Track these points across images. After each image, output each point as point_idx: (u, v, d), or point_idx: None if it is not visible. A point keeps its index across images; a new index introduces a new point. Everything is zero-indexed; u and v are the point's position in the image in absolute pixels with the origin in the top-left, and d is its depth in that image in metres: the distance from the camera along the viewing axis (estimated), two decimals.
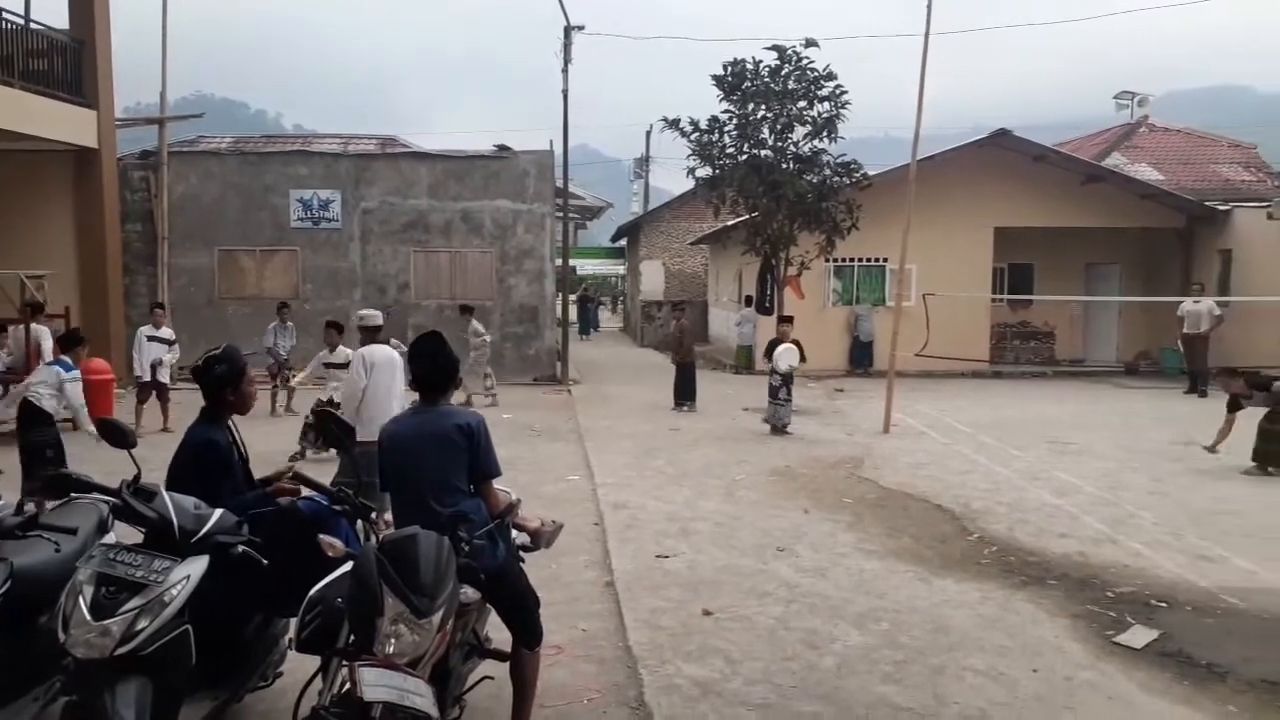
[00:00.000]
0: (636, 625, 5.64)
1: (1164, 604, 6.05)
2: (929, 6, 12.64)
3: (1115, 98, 29.16)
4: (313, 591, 3.52)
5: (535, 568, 4.68)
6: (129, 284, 18.60)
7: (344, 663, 3.18)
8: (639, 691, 4.77)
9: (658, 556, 7.04)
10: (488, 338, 15.37)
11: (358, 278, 19.62)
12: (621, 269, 42.63)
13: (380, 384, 7.32)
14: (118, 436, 3.84)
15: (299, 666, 3.96)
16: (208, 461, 3.98)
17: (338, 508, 4.02)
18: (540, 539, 4.45)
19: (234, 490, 4.00)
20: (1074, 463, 10.72)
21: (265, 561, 3.57)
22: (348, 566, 3.50)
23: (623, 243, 40.79)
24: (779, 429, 12.67)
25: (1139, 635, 5.48)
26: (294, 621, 3.54)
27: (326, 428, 3.97)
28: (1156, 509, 8.50)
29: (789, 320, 13.45)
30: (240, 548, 3.52)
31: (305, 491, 4.18)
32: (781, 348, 12.84)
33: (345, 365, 9.91)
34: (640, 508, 8.56)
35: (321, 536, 3.74)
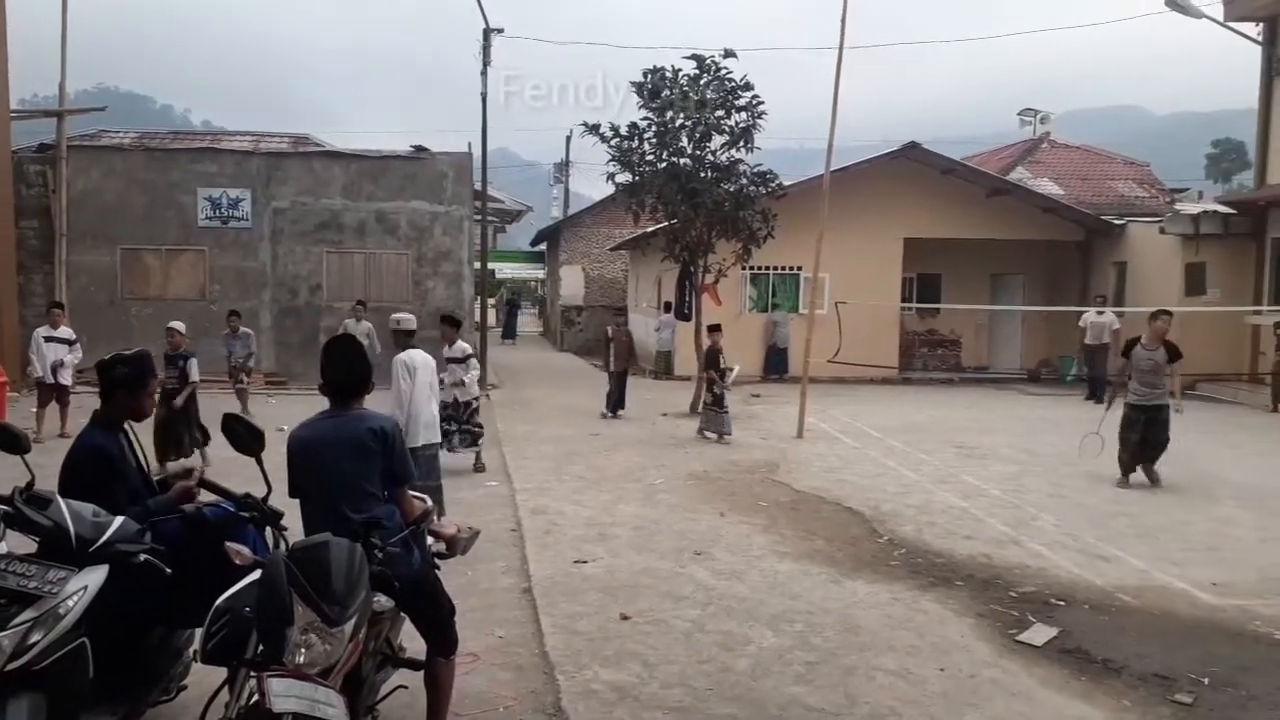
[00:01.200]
0: (554, 631, 5.62)
1: (1063, 602, 6.29)
2: (843, 22, 12.94)
3: (1019, 114, 30.26)
4: (219, 601, 3.42)
5: (451, 575, 4.64)
6: (24, 283, 17.80)
7: (252, 674, 3.10)
8: (556, 698, 4.76)
9: (576, 562, 7.03)
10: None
11: (268, 279, 19.13)
12: (541, 273, 42.48)
13: (421, 387, 7.50)
14: (9, 441, 3.67)
15: (204, 679, 3.85)
16: (95, 469, 3.82)
17: (245, 514, 3.90)
18: (456, 545, 4.40)
19: (132, 498, 3.86)
20: (979, 466, 11.07)
21: (168, 570, 3.46)
22: (256, 575, 3.41)
23: (542, 247, 40.67)
24: (721, 437, 12.61)
25: (1039, 633, 5.69)
26: (199, 632, 3.44)
27: (234, 432, 3.86)
28: (1056, 511, 8.83)
29: (719, 328, 13.52)
30: (142, 556, 3.40)
31: (210, 497, 4.06)
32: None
33: (464, 360, 10.56)
34: (559, 513, 8.54)
35: (228, 544, 3.63)
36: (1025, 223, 21.18)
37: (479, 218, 21.08)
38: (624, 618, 5.85)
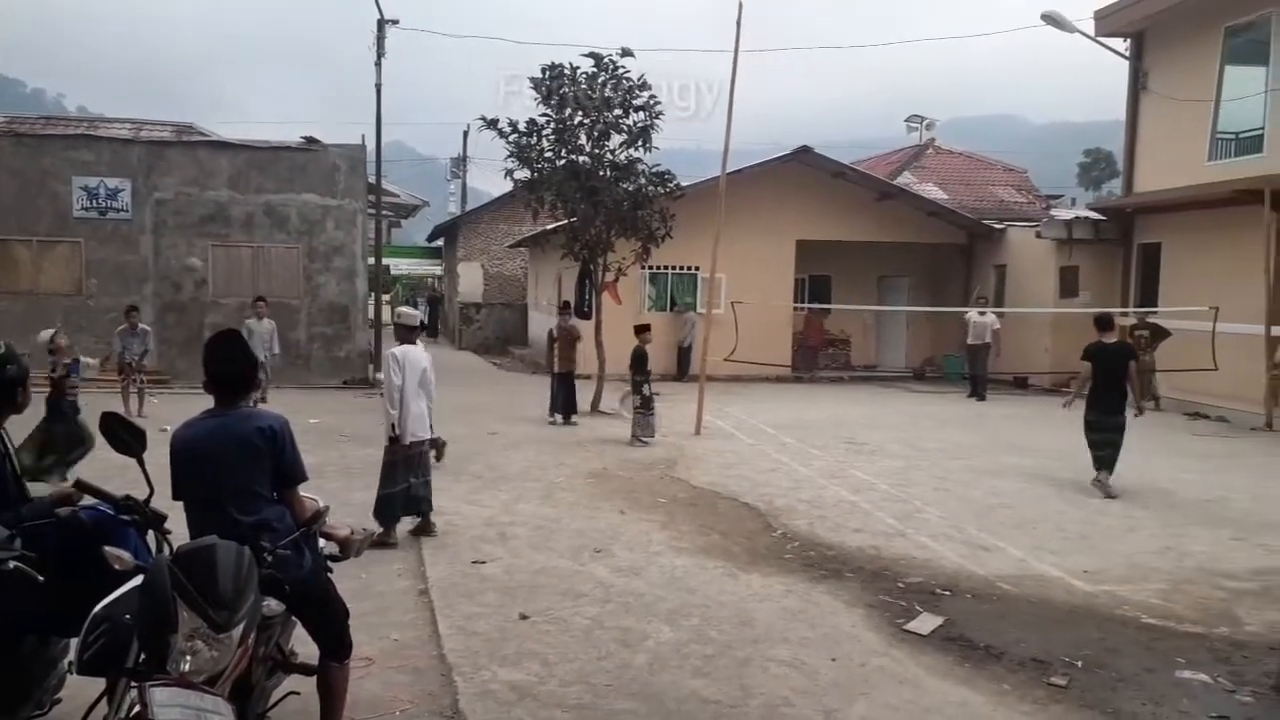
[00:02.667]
0: (451, 633, 5.56)
1: (948, 592, 6.54)
2: (738, 25, 13.16)
3: (906, 121, 31.34)
4: (97, 609, 3.27)
5: (345, 578, 4.54)
6: None
7: (133, 684, 2.97)
8: (453, 699, 4.71)
9: (474, 562, 6.97)
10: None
11: (149, 273, 18.33)
12: (438, 269, 41.83)
13: (412, 380, 7.49)
14: None
15: (80, 691, 3.67)
16: None
17: (126, 517, 3.73)
18: (350, 548, 4.31)
19: (4, 502, 3.65)
20: (868, 462, 11.41)
21: (41, 578, 3.29)
22: (137, 580, 3.27)
23: (439, 243, 40.04)
24: (645, 440, 12.35)
25: (926, 622, 5.91)
26: (75, 642, 3.27)
27: (113, 432, 3.69)
28: (941, 504, 9.17)
29: (647, 328, 13.49)
30: (11, 564, 3.22)
31: (90, 500, 3.87)
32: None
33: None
34: (456, 513, 8.44)
35: (107, 549, 3.47)
36: (911, 226, 21.91)
37: (373, 212, 20.64)
38: (523, 617, 5.83)
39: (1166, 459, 11.69)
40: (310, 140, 19.06)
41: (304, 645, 4.12)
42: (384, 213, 22.59)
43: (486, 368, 24.62)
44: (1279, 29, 15.55)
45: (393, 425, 7.56)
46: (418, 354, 7.72)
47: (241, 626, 3.12)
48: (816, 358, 22.41)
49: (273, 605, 3.65)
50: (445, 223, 37.01)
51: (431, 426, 8.05)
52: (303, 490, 3.92)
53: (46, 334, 10.76)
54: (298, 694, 4.06)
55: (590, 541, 7.58)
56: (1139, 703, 4.83)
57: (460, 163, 42.22)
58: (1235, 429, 14.48)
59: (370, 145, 19.34)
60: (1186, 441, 13.31)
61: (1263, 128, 15.93)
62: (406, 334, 7.84)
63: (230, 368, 3.75)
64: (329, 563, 4.14)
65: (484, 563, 6.97)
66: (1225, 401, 15.44)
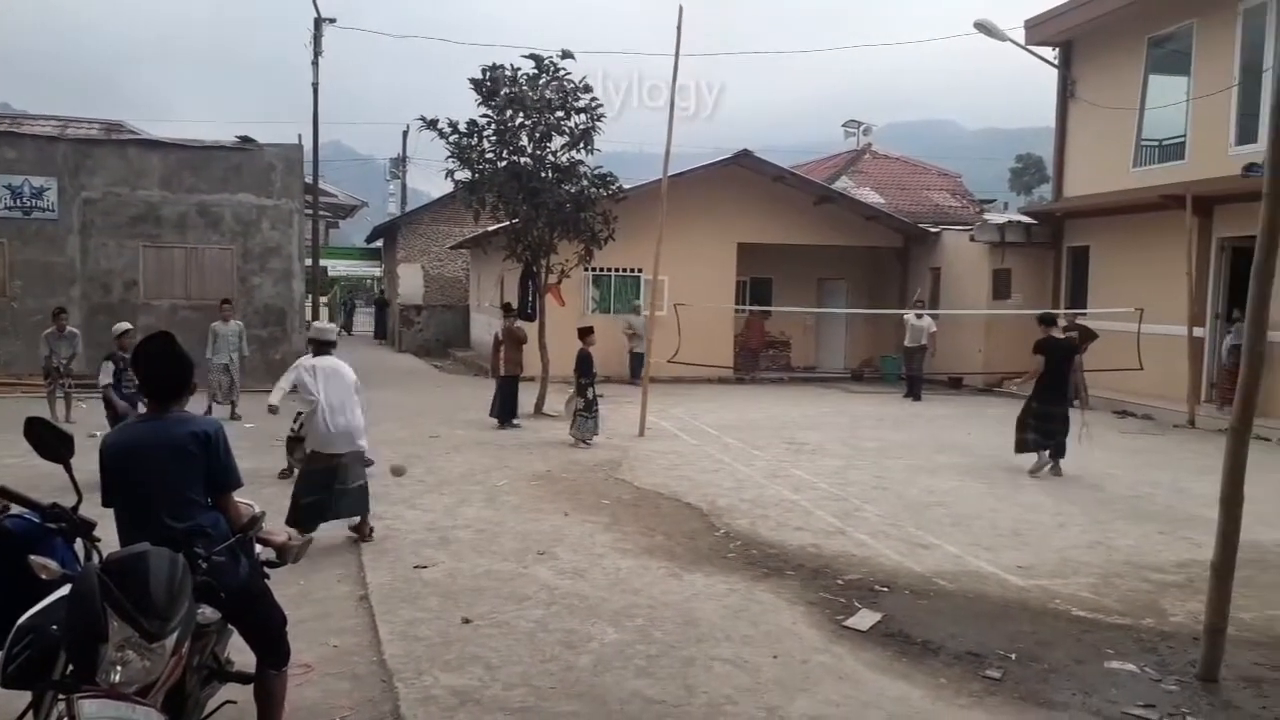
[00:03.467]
0: (392, 638, 5.49)
1: (886, 588, 6.65)
2: (678, 30, 13.23)
3: (844, 125, 31.78)
4: (22, 619, 3.17)
5: (282, 584, 4.47)
6: None
7: (60, 696, 2.89)
8: (394, 705, 4.65)
9: (416, 567, 6.89)
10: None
11: (76, 274, 17.80)
12: (378, 271, 41.29)
13: (334, 392, 7.39)
14: None
15: (5, 705, 3.54)
16: None
17: (52, 525, 3.62)
18: (287, 554, 4.24)
19: None
20: (808, 461, 11.55)
21: None
22: (65, 590, 3.18)
23: (379, 244, 39.53)
24: (587, 440, 12.33)
25: (865, 618, 6.00)
26: None
27: (39, 437, 3.58)
28: (879, 502, 9.32)
29: (591, 331, 13.45)
30: None
31: (15, 508, 3.75)
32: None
33: None
34: (397, 518, 8.34)
35: (32, 557, 3.36)
36: (849, 229, 22.24)
37: (310, 212, 20.31)
38: (465, 621, 5.78)
39: (1096, 456, 12.01)
40: (245, 139, 18.69)
41: (241, 653, 4.04)
42: (321, 213, 22.26)
43: (427, 370, 24.37)
44: (1200, 39, 16.13)
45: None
46: (332, 365, 7.55)
47: (175, 635, 3.06)
48: (757, 359, 22.60)
49: (208, 613, 3.58)
50: (384, 223, 36.55)
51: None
52: (239, 496, 3.85)
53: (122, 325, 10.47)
54: (234, 703, 3.99)
55: (534, 544, 7.55)
56: (1070, 693, 4.97)
57: (400, 163, 41.77)
58: (1160, 426, 14.96)
59: (307, 145, 19.06)
60: (1114, 439, 13.70)
61: (1184, 135, 16.52)
62: (321, 349, 7.72)
63: (161, 371, 3.66)
64: (266, 569, 4.07)
65: (426, 567, 6.90)
66: (1150, 400, 15.95)
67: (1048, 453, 10.80)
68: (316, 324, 8.35)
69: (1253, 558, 7.06)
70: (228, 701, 3.96)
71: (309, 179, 20.00)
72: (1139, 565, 7.30)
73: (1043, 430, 10.81)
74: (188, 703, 3.50)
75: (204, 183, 18.18)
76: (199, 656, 3.61)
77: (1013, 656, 5.42)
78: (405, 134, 39.87)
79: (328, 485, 7.39)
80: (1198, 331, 15.11)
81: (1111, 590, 6.68)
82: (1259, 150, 13.17)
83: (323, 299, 31.37)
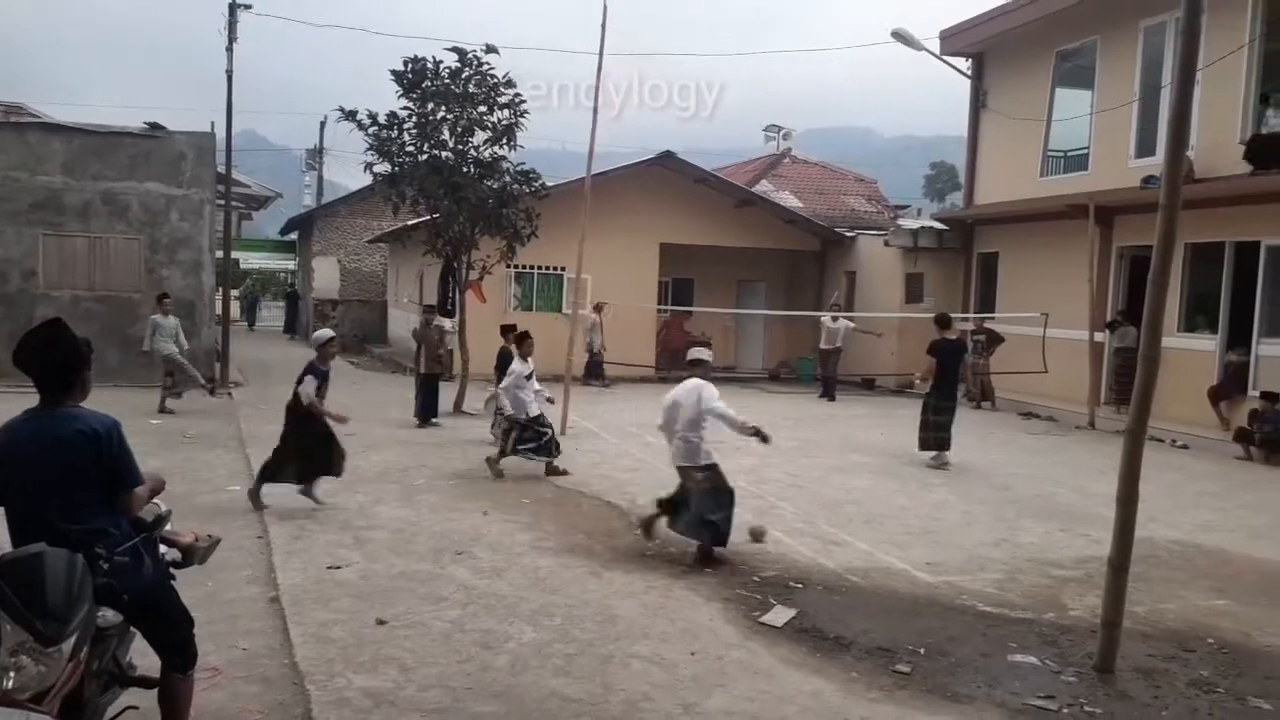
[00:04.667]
0: (304, 640, 5.38)
1: (800, 585, 6.77)
2: (602, 28, 13.24)
3: (765, 130, 32.19)
4: None
5: (189, 585, 4.33)
6: None
7: None
8: (306, 708, 4.56)
9: (329, 567, 6.76)
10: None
11: None
12: (292, 264, 40.31)
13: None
14: None
15: None
16: None
17: None
18: (194, 555, 4.12)
19: None
20: (726, 460, 11.52)
21: None
22: None
23: (293, 236, 38.61)
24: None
25: (780, 614, 6.10)
26: None
27: None
28: (794, 500, 9.48)
29: (514, 329, 13.25)
30: None
31: None
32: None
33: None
34: (310, 518, 8.17)
35: None
36: (769, 232, 22.55)
37: (222, 203, 19.71)
38: (380, 622, 5.69)
39: (1002, 456, 12.45)
40: (154, 126, 18.03)
41: (146, 657, 3.91)
42: (234, 204, 21.64)
43: (343, 367, 23.80)
44: (1103, 55, 16.80)
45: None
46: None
47: (73, 639, 2.96)
48: (680, 359, 22.71)
49: (109, 616, 3.47)
50: (300, 216, 35.69)
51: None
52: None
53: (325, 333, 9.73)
54: (136, 708, 3.86)
55: (451, 544, 7.47)
56: (975, 686, 5.13)
57: (317, 154, 40.79)
58: (1063, 427, 15.54)
59: (220, 133, 18.48)
60: (1020, 439, 14.19)
61: (1088, 147, 17.18)
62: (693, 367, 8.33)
63: (49, 362, 3.45)
64: (172, 570, 3.95)
65: (339, 568, 6.77)
66: (1054, 402, 16.55)
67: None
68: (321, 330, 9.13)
69: (1146, 554, 7.39)
70: (129, 707, 3.83)
71: (221, 168, 19.37)
72: (1041, 561, 7.58)
73: (939, 425, 11.58)
74: (86, 709, 3.38)
75: (110, 170, 17.47)
76: (99, 661, 3.49)
77: (922, 651, 5.57)
78: (323, 125, 38.99)
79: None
80: (1098, 336, 15.74)
81: (1015, 586, 6.92)
82: (1157, 163, 13.79)
83: (234, 292, 30.52)
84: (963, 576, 7.11)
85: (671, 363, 22.15)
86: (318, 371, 8.78)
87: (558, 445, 10.65)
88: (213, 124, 18.64)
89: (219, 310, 19.22)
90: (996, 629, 6.03)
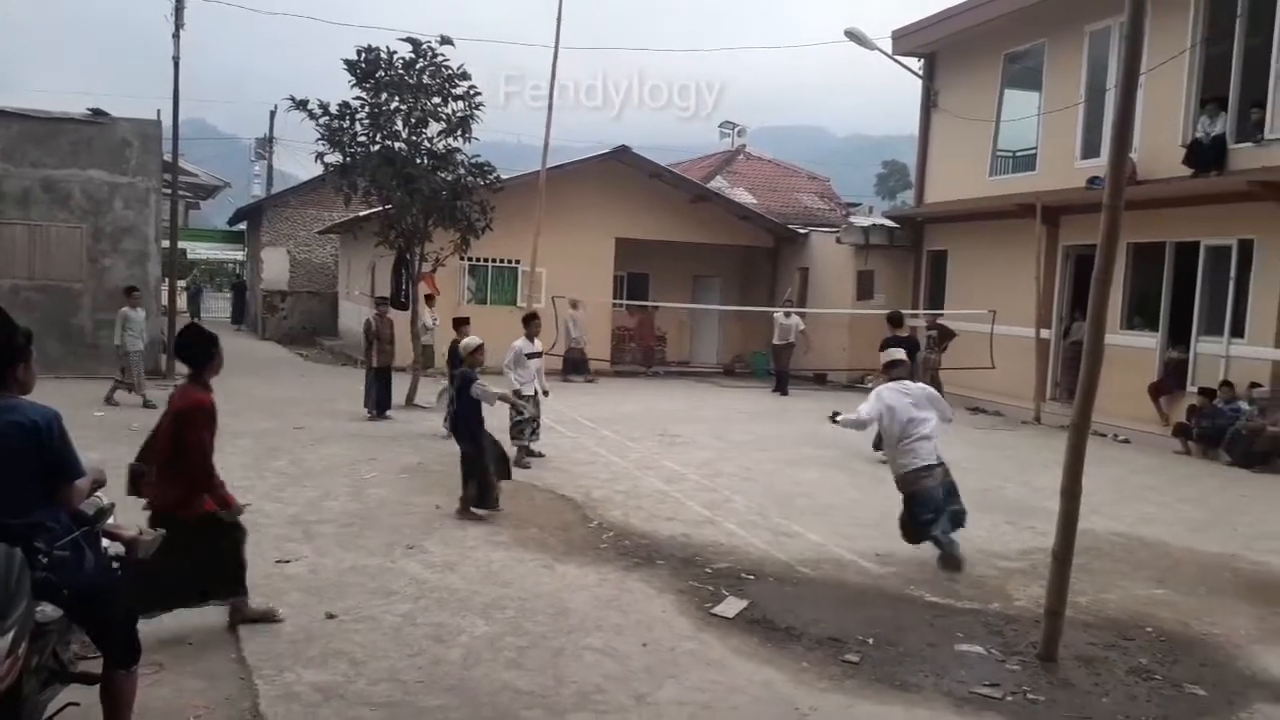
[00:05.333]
0: (251, 634, 5.31)
1: (752, 576, 6.83)
2: (558, 22, 13.21)
3: (720, 126, 32.27)
4: None
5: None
6: None
7: None
8: (254, 703, 4.50)
9: (278, 562, 6.66)
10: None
11: None
12: (240, 255, 39.62)
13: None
14: None
15: None
16: None
17: None
18: (137, 549, 4.04)
19: None
20: (680, 453, 11.72)
21: None
22: None
23: (242, 226, 37.95)
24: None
25: (732, 606, 6.15)
26: None
27: None
28: (747, 493, 9.55)
29: (466, 322, 13.14)
30: None
31: None
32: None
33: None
34: (259, 511, 8.01)
35: None
36: (724, 228, 22.65)
37: (168, 191, 19.30)
38: (330, 616, 5.64)
39: (950, 450, 12.56)
40: (97, 112, 17.58)
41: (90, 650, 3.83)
42: (181, 193, 21.20)
43: (292, 359, 23.54)
44: (1051, 58, 17.11)
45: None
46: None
47: (10, 635, 2.89)
48: (652, 355, 22.77)
49: (48, 611, 3.39)
50: (249, 206, 35.06)
51: None
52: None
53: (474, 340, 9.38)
54: (77, 705, 3.79)
55: (403, 538, 7.42)
56: (923, 675, 5.22)
57: (266, 143, 40.09)
58: (1010, 422, 15.84)
59: (167, 121, 18.07)
60: (968, 434, 14.41)
61: (1036, 148, 17.50)
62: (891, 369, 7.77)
63: None
64: (115, 565, 3.87)
65: (288, 561, 6.68)
66: (1001, 397, 16.86)
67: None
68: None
69: (1089, 545, 7.57)
70: (70, 704, 3.76)
71: (168, 157, 18.96)
72: (988, 553, 7.72)
73: None
74: (25, 706, 3.31)
75: (50, 156, 17.01)
76: (38, 657, 3.41)
77: (871, 641, 5.65)
78: (273, 114, 38.34)
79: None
80: (1044, 333, 16.05)
81: (962, 577, 7.04)
82: (1101, 164, 14.12)
83: (180, 282, 29.89)
84: (911, 567, 7.22)
85: (643, 359, 22.27)
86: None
87: (536, 432, 10.94)
88: (159, 111, 18.24)
89: (165, 301, 18.81)
90: (944, 619, 6.13)
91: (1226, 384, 13.06)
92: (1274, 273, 12.91)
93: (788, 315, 19.65)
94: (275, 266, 30.65)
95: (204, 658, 5.01)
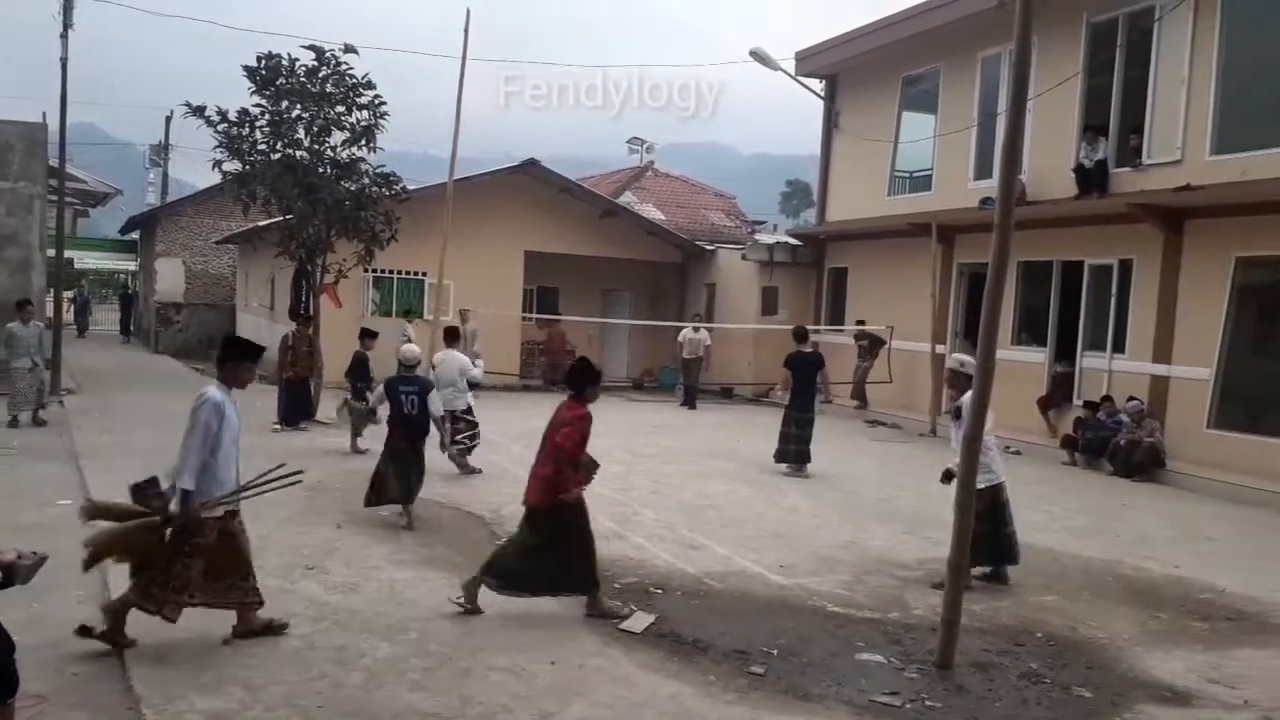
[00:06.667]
0: (140, 662, 5.09)
1: (660, 590, 6.87)
2: (465, 33, 13.14)
3: (628, 142, 32.51)
4: None
5: (12, 607, 4.05)
6: None
7: None
8: None
9: None
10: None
11: None
12: (133, 265, 38.07)
13: None
14: None
15: None
16: None
17: None
18: (16, 574, 3.85)
19: None
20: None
21: None
22: None
23: (134, 236, 36.48)
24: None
25: (639, 620, 6.16)
26: None
27: None
28: (656, 507, 9.61)
29: (373, 335, 12.93)
30: None
31: None
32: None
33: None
34: None
35: None
36: (632, 243, 22.80)
37: (54, 198, 18.44)
38: (225, 641, 5.45)
39: (850, 462, 12.95)
40: None
41: None
42: (68, 200, 20.29)
43: (188, 373, 22.70)
44: (946, 81, 17.76)
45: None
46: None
47: None
48: (562, 369, 22.64)
49: None
50: (142, 214, 33.77)
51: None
52: None
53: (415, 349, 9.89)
54: None
55: (302, 559, 7.22)
56: (826, 685, 5.33)
57: (161, 150, 38.63)
58: (906, 434, 16.30)
59: (54, 124, 17.28)
60: (866, 445, 14.81)
61: (932, 169, 18.12)
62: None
63: None
64: None
65: None
66: (898, 410, 17.35)
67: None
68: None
69: None
70: None
71: (55, 161, 18.12)
72: (887, 563, 7.93)
73: (799, 438, 11.83)
74: None
75: None
76: None
77: (775, 652, 5.74)
78: (169, 120, 36.98)
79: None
80: (939, 348, 16.59)
81: (863, 586, 7.22)
82: (993, 185, 14.67)
83: (67, 294, 28.56)
84: (813, 578, 7.36)
85: (555, 373, 22.10)
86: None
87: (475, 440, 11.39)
88: (44, 114, 17.44)
89: (50, 313, 17.94)
90: (845, 629, 6.27)
91: (1108, 398, 13.72)
92: (1151, 291, 13.64)
93: (695, 329, 19.87)
94: (170, 277, 29.55)
95: (89, 689, 4.78)
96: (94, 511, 5.55)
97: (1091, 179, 14.42)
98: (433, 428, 9.19)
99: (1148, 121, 14.02)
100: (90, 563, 5.32)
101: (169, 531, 5.36)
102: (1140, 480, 12.50)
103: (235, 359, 5.94)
